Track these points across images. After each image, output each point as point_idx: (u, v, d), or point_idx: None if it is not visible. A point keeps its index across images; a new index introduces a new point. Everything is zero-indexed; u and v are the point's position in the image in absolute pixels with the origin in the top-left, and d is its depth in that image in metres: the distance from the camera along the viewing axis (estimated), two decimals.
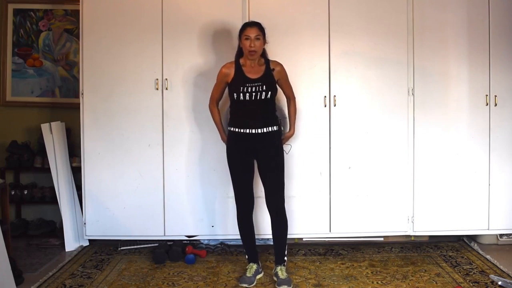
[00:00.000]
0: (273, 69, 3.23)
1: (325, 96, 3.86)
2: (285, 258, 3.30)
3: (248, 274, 3.25)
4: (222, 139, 3.46)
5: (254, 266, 3.30)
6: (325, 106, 3.86)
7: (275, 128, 3.22)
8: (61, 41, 4.58)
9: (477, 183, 3.90)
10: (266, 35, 3.22)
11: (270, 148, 3.21)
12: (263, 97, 3.13)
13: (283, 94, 3.43)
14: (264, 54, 3.28)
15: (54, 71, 4.58)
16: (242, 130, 3.17)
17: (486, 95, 3.88)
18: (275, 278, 3.23)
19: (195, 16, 3.83)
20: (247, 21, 3.74)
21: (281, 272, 3.21)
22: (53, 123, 4.09)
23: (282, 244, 3.28)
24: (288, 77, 3.36)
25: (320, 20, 3.84)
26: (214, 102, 3.37)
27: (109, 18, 3.84)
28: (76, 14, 4.42)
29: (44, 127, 4.05)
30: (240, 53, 3.25)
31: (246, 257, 3.38)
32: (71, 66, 4.58)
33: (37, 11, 4.57)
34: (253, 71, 3.19)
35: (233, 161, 3.26)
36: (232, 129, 3.24)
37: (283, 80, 3.31)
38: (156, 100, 3.86)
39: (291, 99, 3.41)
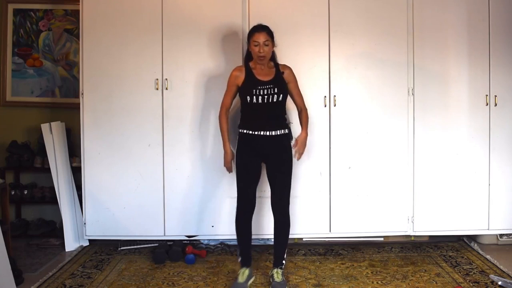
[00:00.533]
0: (283, 72, 3.24)
1: (325, 96, 3.86)
2: (284, 261, 3.26)
3: (240, 280, 3.16)
4: (225, 148, 3.30)
5: (247, 271, 3.21)
6: (325, 106, 3.86)
7: (286, 131, 3.22)
8: (61, 41, 4.58)
9: (477, 183, 3.90)
10: (275, 38, 3.21)
11: (280, 151, 3.21)
12: (275, 100, 3.13)
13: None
14: (273, 57, 3.28)
15: (54, 71, 4.58)
16: (256, 133, 3.16)
17: (486, 95, 3.88)
18: (270, 280, 3.22)
19: (195, 16, 3.83)
20: (247, 20, 3.77)
21: (277, 275, 3.19)
22: (53, 123, 4.09)
23: (283, 247, 3.26)
24: (297, 83, 3.33)
25: (320, 20, 3.84)
26: (225, 110, 3.29)
27: (109, 18, 3.84)
28: (76, 14, 4.42)
29: (44, 127, 4.05)
30: (248, 56, 3.26)
31: (239, 259, 3.27)
32: (71, 66, 4.58)
33: (37, 11, 4.57)
34: (263, 74, 3.19)
35: (242, 162, 3.22)
36: (245, 131, 3.20)
37: (293, 84, 3.29)
38: (156, 100, 3.86)
39: (302, 109, 3.35)
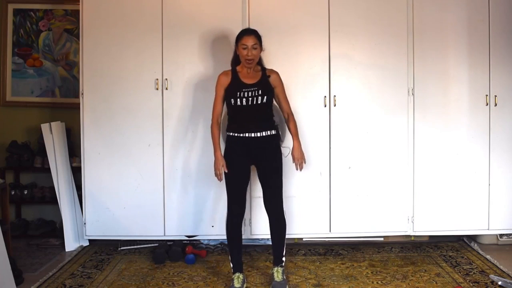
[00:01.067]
0: (269, 76, 3.25)
1: (325, 96, 3.86)
2: (283, 259, 3.25)
3: (237, 285, 3.14)
4: (216, 155, 3.18)
5: (241, 276, 3.19)
6: (325, 106, 3.86)
7: (273, 132, 3.21)
8: (61, 41, 4.58)
9: (477, 183, 3.90)
10: (262, 43, 3.21)
11: (269, 152, 3.20)
12: (259, 102, 3.13)
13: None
14: (260, 62, 3.29)
15: (54, 71, 4.58)
16: (241, 135, 3.16)
17: (486, 95, 3.88)
18: (271, 279, 3.22)
19: (195, 16, 3.84)
20: (246, 20, 3.79)
21: (277, 274, 3.18)
22: (53, 123, 4.09)
23: (281, 246, 3.24)
24: (284, 88, 3.31)
25: (320, 20, 3.84)
26: (217, 118, 3.24)
27: (109, 18, 3.84)
28: (76, 14, 4.42)
29: (44, 127, 4.05)
30: (235, 60, 3.27)
31: (231, 265, 3.22)
32: (71, 66, 4.58)
33: (37, 11, 4.57)
34: (249, 77, 3.20)
35: (230, 166, 3.20)
36: (231, 133, 3.21)
37: (279, 89, 3.28)
38: (156, 100, 3.86)
39: (289, 115, 3.31)
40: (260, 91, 3.14)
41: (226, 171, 3.17)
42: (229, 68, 3.31)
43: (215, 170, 3.21)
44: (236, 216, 3.21)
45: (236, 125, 3.19)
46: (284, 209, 3.26)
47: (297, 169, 3.29)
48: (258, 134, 3.15)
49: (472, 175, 3.90)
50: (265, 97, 3.15)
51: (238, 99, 3.12)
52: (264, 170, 3.22)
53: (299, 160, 3.26)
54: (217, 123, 3.26)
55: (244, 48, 3.14)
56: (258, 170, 3.26)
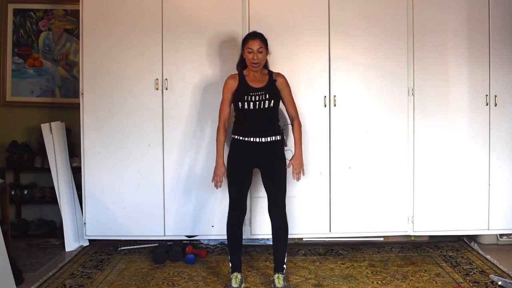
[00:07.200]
0: (275, 80, 3.25)
1: (325, 96, 3.86)
2: (284, 266, 3.23)
3: (234, 285, 3.15)
4: (219, 162, 3.23)
5: (239, 276, 3.20)
6: (325, 106, 3.86)
7: (278, 137, 3.22)
8: (61, 41, 4.59)
9: (477, 183, 3.90)
10: (268, 46, 3.23)
11: (273, 157, 3.20)
12: (266, 106, 3.14)
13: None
14: (266, 65, 3.31)
15: (54, 71, 4.58)
16: (246, 138, 3.17)
17: (486, 95, 3.88)
18: (272, 286, 3.20)
19: (195, 16, 3.84)
20: (247, 21, 3.79)
21: (278, 280, 3.16)
22: (53, 123, 4.09)
23: (282, 251, 3.22)
24: (291, 91, 3.31)
25: (320, 20, 3.84)
26: (224, 123, 3.25)
27: (109, 18, 3.84)
28: (76, 14, 4.42)
29: (44, 127, 4.05)
30: (241, 63, 3.29)
31: (230, 265, 3.22)
32: (71, 66, 4.58)
33: (37, 11, 4.57)
34: (256, 81, 3.22)
35: (233, 168, 3.22)
36: (236, 137, 3.22)
37: (286, 93, 3.28)
38: (156, 100, 3.86)
39: (295, 118, 3.32)
40: (267, 95, 3.16)
41: (225, 179, 3.21)
42: (231, 69, 3.33)
43: (214, 176, 3.24)
44: (237, 218, 3.22)
45: (242, 128, 3.19)
46: (286, 215, 3.23)
47: (294, 178, 3.29)
48: (263, 140, 3.16)
49: (472, 175, 3.90)
50: (272, 101, 3.16)
51: (246, 103, 3.14)
52: (267, 175, 3.22)
53: (297, 170, 3.28)
54: (223, 127, 3.25)
55: (250, 52, 3.15)
56: (262, 174, 3.26)
